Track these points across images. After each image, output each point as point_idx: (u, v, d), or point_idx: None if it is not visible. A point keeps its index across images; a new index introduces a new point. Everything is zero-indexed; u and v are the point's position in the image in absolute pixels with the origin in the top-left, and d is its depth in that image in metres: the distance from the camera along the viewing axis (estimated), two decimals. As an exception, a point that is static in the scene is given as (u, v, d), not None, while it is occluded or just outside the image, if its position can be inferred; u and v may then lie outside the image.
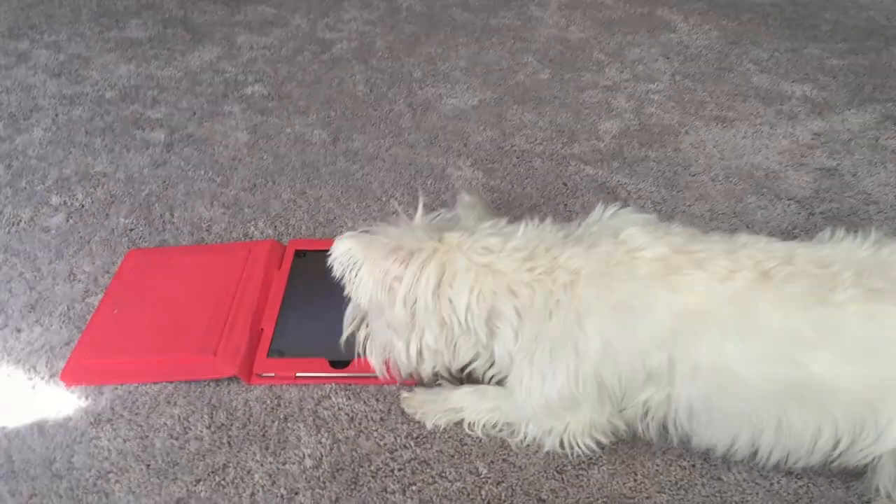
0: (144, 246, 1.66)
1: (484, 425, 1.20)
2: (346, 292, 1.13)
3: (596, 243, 1.07)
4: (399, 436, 1.22)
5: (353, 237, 1.08)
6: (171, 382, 1.33)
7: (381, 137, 2.02)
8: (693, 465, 1.15)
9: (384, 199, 1.78)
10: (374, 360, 1.21)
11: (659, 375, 1.04)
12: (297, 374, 1.30)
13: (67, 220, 1.74)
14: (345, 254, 1.09)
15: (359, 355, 1.22)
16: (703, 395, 1.03)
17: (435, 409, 1.23)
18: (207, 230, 1.70)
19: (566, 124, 2.05)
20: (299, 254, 1.56)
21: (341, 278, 1.11)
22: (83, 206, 1.79)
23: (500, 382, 1.19)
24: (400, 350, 1.13)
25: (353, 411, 1.27)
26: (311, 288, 1.48)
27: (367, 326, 1.20)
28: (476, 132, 2.03)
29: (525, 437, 1.18)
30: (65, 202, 1.81)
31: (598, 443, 1.13)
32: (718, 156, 1.90)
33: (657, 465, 1.15)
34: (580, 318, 1.03)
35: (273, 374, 1.31)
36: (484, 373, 1.18)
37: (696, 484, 1.13)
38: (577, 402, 1.08)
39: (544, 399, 1.08)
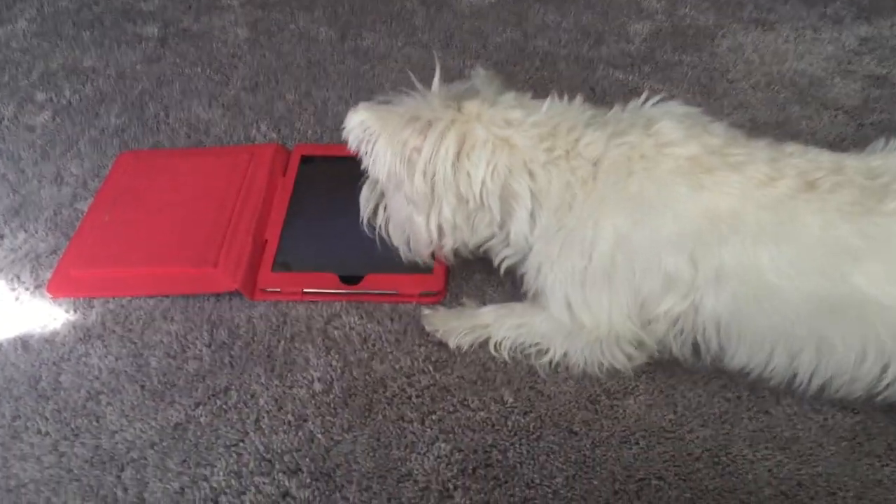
0: (137, 148, 1.52)
1: (511, 345, 1.10)
2: (362, 166, 1.05)
3: (622, 132, 0.98)
4: (416, 359, 1.12)
5: (367, 108, 1.00)
6: (168, 297, 1.22)
7: (392, 36, 1.86)
8: (738, 397, 1.05)
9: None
10: (396, 239, 1.12)
11: (679, 280, 0.95)
12: (305, 290, 1.20)
13: (54, 119, 1.61)
14: (359, 126, 1.00)
15: (379, 234, 1.14)
16: (731, 306, 0.93)
17: (458, 326, 1.13)
18: (205, 132, 1.57)
19: (592, 25, 1.89)
20: (306, 159, 1.43)
21: (356, 155, 1.04)
22: (70, 104, 1.65)
23: (512, 271, 1.12)
24: (420, 224, 1.05)
25: (365, 332, 1.16)
26: (319, 197, 1.35)
27: (384, 208, 1.12)
28: (495, 32, 1.87)
29: (554, 356, 1.08)
30: (51, 99, 1.67)
31: (630, 358, 1.05)
32: (759, 61, 1.74)
33: (699, 397, 1.06)
34: (595, 214, 0.97)
35: (278, 290, 1.20)
36: (499, 256, 1.10)
37: (742, 417, 1.03)
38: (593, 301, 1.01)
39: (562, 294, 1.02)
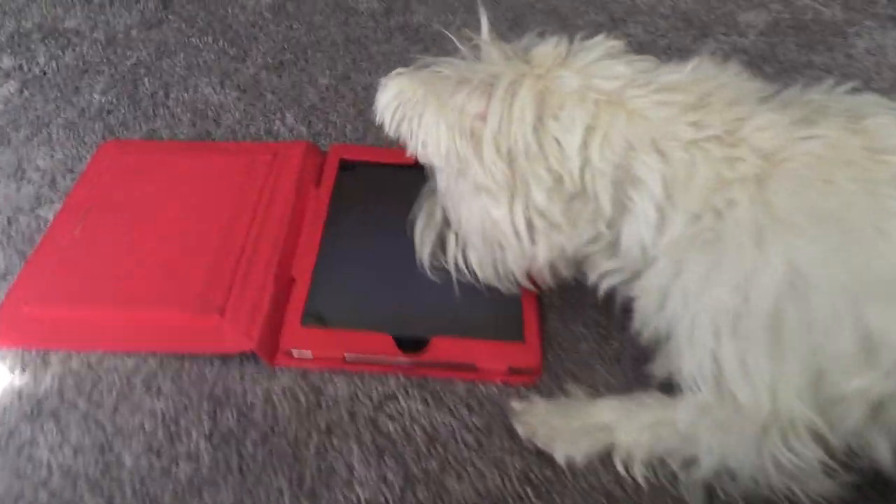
0: (126, 136, 1.18)
1: (646, 457, 0.76)
2: (408, 152, 0.77)
3: (812, 121, 0.68)
4: (508, 477, 0.78)
5: (405, 74, 0.75)
6: (154, 354, 0.87)
7: (449, 11, 1.50)
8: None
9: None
10: (476, 259, 0.83)
11: (889, 344, 0.61)
12: (347, 356, 0.85)
13: (21, 92, 1.26)
14: (396, 98, 0.74)
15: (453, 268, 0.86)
16: None
17: (566, 427, 0.79)
18: (215, 120, 1.21)
19: (694, 12, 1.54)
20: (346, 166, 1.08)
21: (397, 139, 0.77)
22: (45, 74, 1.30)
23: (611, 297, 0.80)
24: (503, 220, 0.74)
25: (433, 426, 0.82)
26: (365, 219, 1.01)
27: (454, 234, 0.85)
28: (574, 14, 1.52)
29: (708, 470, 0.72)
30: (20, 66, 1.31)
31: (806, 463, 0.67)
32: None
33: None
34: (760, 231, 0.65)
35: (310, 354, 0.85)
36: (599, 271, 0.78)
37: None
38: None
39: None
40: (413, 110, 0.74)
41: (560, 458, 0.78)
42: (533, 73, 0.71)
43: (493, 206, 0.74)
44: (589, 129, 0.68)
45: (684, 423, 0.72)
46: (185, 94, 1.27)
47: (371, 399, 0.84)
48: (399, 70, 0.75)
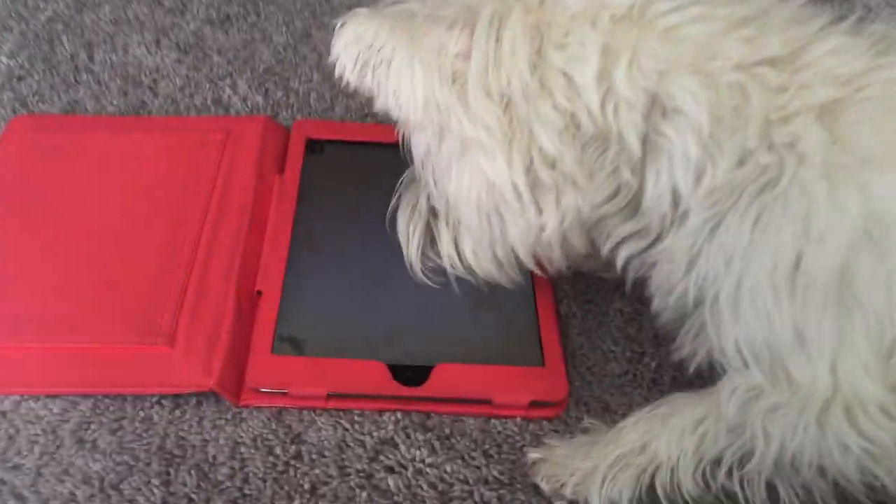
0: (42, 109, 0.97)
1: (696, 466, 0.61)
2: (377, 106, 0.62)
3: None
4: (542, 544, 0.63)
5: (364, 15, 0.61)
6: (87, 396, 0.69)
7: (420, -46, 1.30)
8: None
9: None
10: (468, 241, 0.68)
11: None
12: (331, 394, 0.68)
13: None
14: (357, 41, 0.60)
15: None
16: None
17: (599, 468, 0.64)
18: (151, 88, 1.02)
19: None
20: (314, 146, 0.90)
21: (366, 94, 0.61)
22: (-63, 32, 1.07)
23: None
24: (500, 178, 0.59)
25: (443, 480, 0.66)
26: (342, 214, 0.84)
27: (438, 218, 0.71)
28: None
29: (767, 456, 0.57)
30: None
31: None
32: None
33: None
34: (833, 172, 0.52)
35: (284, 391, 0.69)
36: (616, 237, 0.63)
37: None
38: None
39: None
40: (379, 55, 0.59)
41: (599, 500, 0.63)
42: (522, 4, 0.57)
43: (487, 163, 0.60)
44: (607, 53, 0.55)
45: (732, 411, 0.58)
46: (113, 56, 1.06)
47: (364, 446, 0.68)
48: (357, 10, 0.61)
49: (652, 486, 0.62)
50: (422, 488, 0.65)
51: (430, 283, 0.73)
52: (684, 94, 0.54)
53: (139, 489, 0.64)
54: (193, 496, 0.64)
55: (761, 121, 0.53)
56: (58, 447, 0.66)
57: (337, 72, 0.62)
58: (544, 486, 0.65)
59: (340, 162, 0.89)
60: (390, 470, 0.66)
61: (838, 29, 0.57)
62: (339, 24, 0.61)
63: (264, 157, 0.87)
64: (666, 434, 0.62)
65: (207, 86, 1.02)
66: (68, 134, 0.89)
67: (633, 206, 0.60)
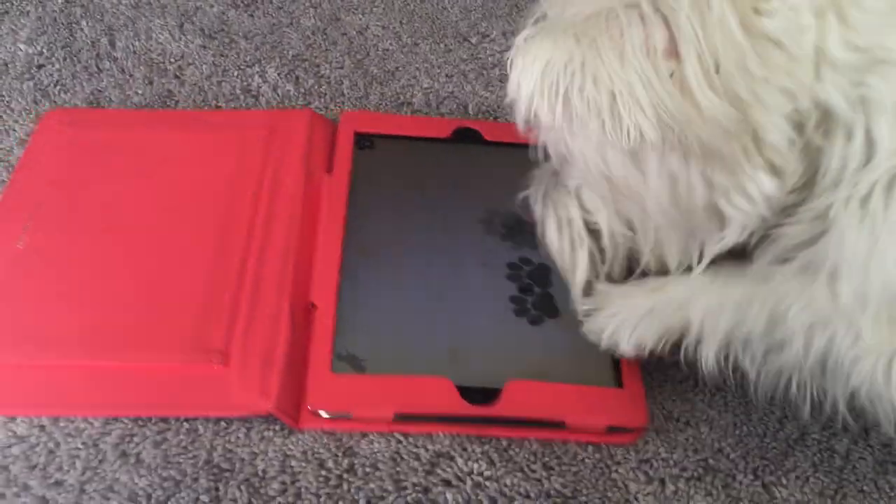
0: (65, 99, 0.93)
1: (723, 341, 0.61)
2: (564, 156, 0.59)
3: None
4: (611, 563, 0.60)
5: (541, 36, 0.54)
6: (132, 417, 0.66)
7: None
8: None
9: (473, 38, 1.06)
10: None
11: None
12: (397, 415, 0.65)
13: (-77, 42, 0.99)
14: (548, 72, 0.52)
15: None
16: None
17: (635, 311, 0.64)
18: (177, 76, 0.98)
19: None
20: (363, 142, 0.86)
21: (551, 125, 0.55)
22: (-47, 18, 1.03)
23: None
24: (732, 194, 0.54)
25: (503, 494, 0.63)
26: (397, 214, 0.80)
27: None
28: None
29: (796, 365, 0.58)
30: (-81, 8, 1.04)
31: None
32: None
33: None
34: None
35: (348, 414, 0.65)
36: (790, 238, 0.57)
37: None
38: None
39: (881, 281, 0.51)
40: (583, 77, 0.51)
41: (629, 347, 0.64)
42: None
43: (718, 173, 0.54)
44: (819, 12, 0.50)
45: (794, 316, 0.57)
46: (136, 42, 1.02)
47: (420, 460, 0.65)
48: (524, 35, 0.55)
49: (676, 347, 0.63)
50: (479, 499, 0.62)
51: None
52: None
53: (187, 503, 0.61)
54: (245, 513, 0.61)
55: None
56: (100, 462, 0.63)
57: (524, 113, 0.56)
58: (591, 328, 0.67)
59: (393, 158, 0.85)
60: (447, 483, 0.64)
61: None
62: (514, 62, 0.55)
63: (311, 155, 0.82)
64: (704, 302, 0.61)
65: (235, 73, 0.98)
66: (105, 131, 0.85)
67: (808, 197, 0.56)
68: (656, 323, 0.63)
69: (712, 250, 0.60)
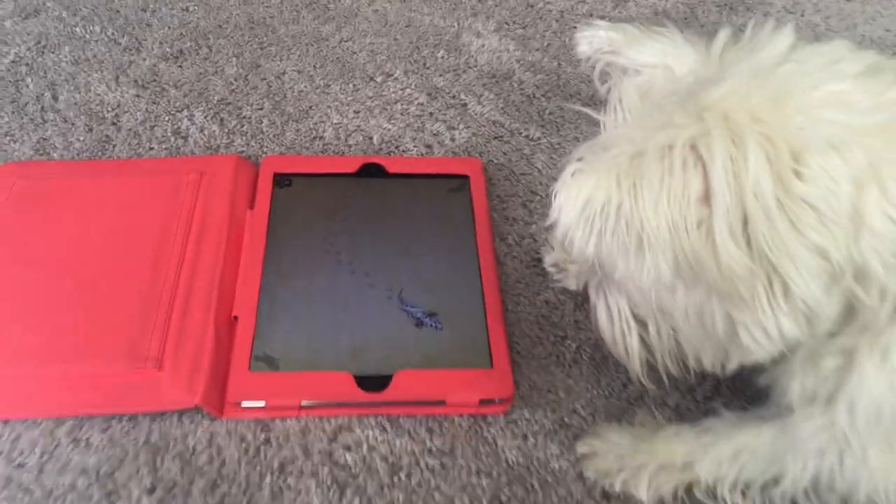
0: (13, 149, 1.06)
1: (734, 484, 0.71)
2: (601, 271, 0.62)
3: None
4: (479, 500, 0.75)
5: (588, 169, 0.58)
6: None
7: (357, -16, 1.42)
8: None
9: (379, 77, 1.21)
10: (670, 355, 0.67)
11: None
12: (304, 404, 0.78)
13: None
14: (590, 205, 0.57)
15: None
16: None
17: (643, 466, 0.75)
18: (114, 123, 1.11)
19: (609, -25, 1.50)
20: (282, 180, 1.00)
21: (585, 254, 0.59)
22: None
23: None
24: (752, 329, 0.57)
25: (393, 453, 0.77)
26: (308, 242, 0.93)
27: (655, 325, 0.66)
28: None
29: (795, 489, 0.69)
30: None
31: None
32: (824, 25, 1.40)
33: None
34: None
35: (263, 404, 0.78)
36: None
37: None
38: None
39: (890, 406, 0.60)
40: (617, 219, 0.56)
41: (646, 498, 0.74)
42: (748, 119, 0.53)
43: (737, 314, 0.57)
44: (858, 182, 0.52)
45: (774, 446, 0.69)
46: (77, 95, 1.15)
47: (324, 431, 0.79)
48: (573, 168, 0.59)
49: (689, 490, 0.74)
50: (374, 460, 0.77)
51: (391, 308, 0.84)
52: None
53: (131, 476, 0.74)
54: (178, 479, 0.74)
55: None
56: (56, 447, 0.76)
57: (565, 238, 0.60)
58: (594, 475, 0.76)
59: (307, 193, 0.99)
60: (348, 448, 0.77)
61: None
62: (559, 192, 0.58)
63: (236, 194, 0.96)
64: (707, 461, 0.72)
65: (166, 118, 1.12)
66: (52, 180, 0.97)
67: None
68: (672, 479, 0.74)
69: (740, 362, 0.62)
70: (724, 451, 0.72)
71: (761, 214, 0.51)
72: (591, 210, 0.56)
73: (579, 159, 0.59)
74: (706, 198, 0.52)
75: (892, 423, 0.60)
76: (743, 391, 0.79)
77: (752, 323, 0.56)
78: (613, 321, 0.68)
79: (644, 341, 0.67)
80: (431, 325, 0.85)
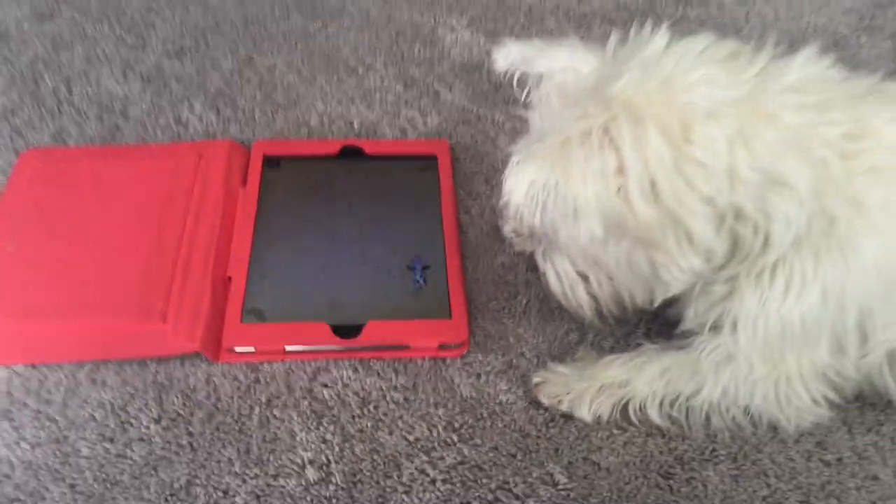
0: (34, 137, 1.19)
1: (662, 402, 0.86)
2: (547, 237, 0.77)
3: None
4: (435, 426, 0.88)
5: (528, 157, 0.70)
6: (96, 354, 0.92)
7: (343, -16, 1.55)
8: (839, 460, 0.86)
9: (360, 69, 1.34)
10: (607, 293, 0.81)
11: None
12: (288, 348, 0.92)
13: (-83, 98, 1.25)
14: (532, 187, 0.69)
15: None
16: None
17: (587, 388, 0.88)
18: (122, 113, 1.24)
19: (575, -28, 1.62)
20: (271, 162, 1.13)
21: (533, 224, 0.72)
22: (-61, 77, 1.29)
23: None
24: (669, 268, 0.72)
25: (364, 389, 0.91)
26: (294, 215, 1.07)
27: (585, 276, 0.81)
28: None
29: (710, 399, 0.85)
30: (-90, 70, 1.30)
31: (820, 401, 0.82)
32: (773, 15, 1.52)
33: (792, 461, 0.85)
34: (868, 217, 0.71)
35: (252, 349, 0.92)
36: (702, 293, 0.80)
37: (848, 487, 0.83)
38: (815, 338, 0.77)
39: (779, 326, 0.76)
40: (555, 194, 0.68)
41: (589, 417, 0.88)
42: (635, 106, 0.66)
43: (660, 258, 0.71)
44: (731, 142, 0.65)
45: (704, 364, 0.83)
46: (89, 89, 1.28)
47: (305, 372, 0.92)
48: (516, 152, 0.71)
49: (624, 409, 0.88)
50: (348, 395, 0.90)
51: (365, 267, 0.99)
52: (790, 170, 0.67)
53: (140, 408, 0.87)
54: (181, 411, 0.87)
55: (839, 181, 0.69)
56: (77, 385, 0.90)
57: (516, 213, 0.71)
58: (544, 401, 0.89)
59: (292, 173, 1.12)
60: (325, 386, 0.91)
61: (875, 97, 0.73)
62: (509, 178, 0.70)
63: (230, 174, 1.09)
64: (642, 377, 0.87)
65: (169, 108, 1.25)
66: (70, 163, 1.11)
67: (752, 261, 0.74)
68: (611, 397, 0.88)
69: (664, 296, 0.78)
70: (654, 370, 0.86)
71: (663, 177, 0.65)
72: (534, 190, 0.69)
73: (520, 151, 0.71)
74: (621, 169, 0.65)
75: (766, 335, 0.76)
76: (667, 338, 0.91)
77: (669, 262, 0.71)
78: (562, 280, 0.82)
79: (589, 292, 0.81)
80: (419, 281, 0.98)
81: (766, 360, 0.80)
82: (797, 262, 0.73)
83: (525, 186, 0.69)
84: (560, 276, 0.82)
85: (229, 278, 0.98)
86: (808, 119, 0.68)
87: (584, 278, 0.80)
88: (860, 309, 0.75)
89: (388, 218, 1.06)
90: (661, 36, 0.71)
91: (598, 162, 0.66)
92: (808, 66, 0.72)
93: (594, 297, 0.82)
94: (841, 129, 0.70)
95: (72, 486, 0.81)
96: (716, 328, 0.81)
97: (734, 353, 0.80)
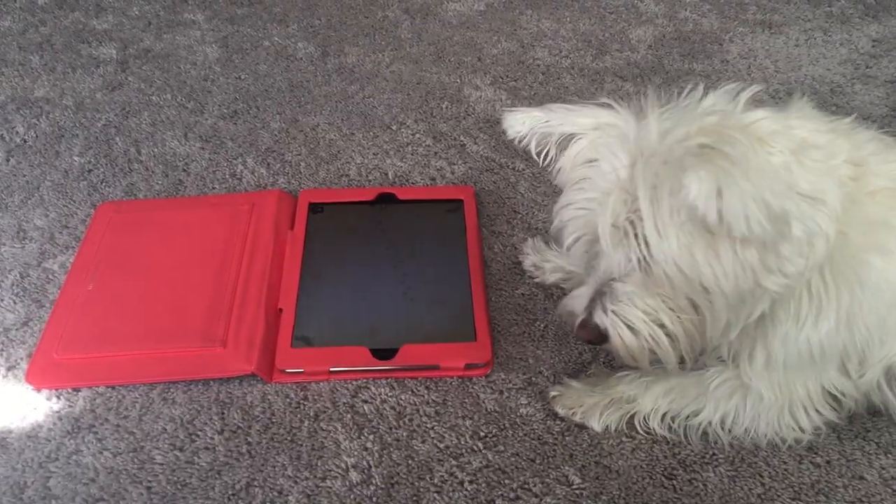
0: (109, 191, 1.35)
1: (664, 416, 0.97)
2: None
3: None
4: (463, 435, 0.99)
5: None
6: (166, 374, 1.06)
7: (378, 51, 1.71)
8: (829, 462, 0.95)
9: (394, 126, 1.49)
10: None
11: None
12: (332, 369, 1.04)
13: (7, 160, 1.42)
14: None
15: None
16: None
17: (598, 402, 0.99)
18: (184, 169, 1.40)
19: (592, 33, 1.77)
20: (315, 208, 1.28)
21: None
22: (25, 142, 1.47)
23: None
24: (775, 274, 0.75)
25: (399, 405, 1.02)
26: (336, 253, 1.21)
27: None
28: (489, 43, 1.74)
29: (709, 419, 0.95)
30: (2, 136, 1.48)
31: (821, 426, 0.93)
32: (773, 68, 1.65)
33: (785, 464, 0.95)
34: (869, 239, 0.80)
35: (301, 370, 1.05)
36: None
37: (836, 486, 0.92)
38: (829, 361, 0.87)
39: (796, 353, 0.85)
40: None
41: (598, 427, 0.98)
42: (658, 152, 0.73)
43: (769, 256, 0.74)
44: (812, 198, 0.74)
45: (697, 388, 0.95)
46: (155, 149, 1.45)
47: (348, 390, 1.04)
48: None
49: (631, 420, 0.98)
50: (385, 409, 1.02)
51: (399, 297, 1.13)
52: (825, 187, 0.75)
53: (206, 422, 1.00)
54: (240, 424, 1.00)
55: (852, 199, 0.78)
56: (150, 403, 1.03)
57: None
58: (561, 411, 1.00)
59: (334, 216, 1.27)
60: (365, 401, 1.03)
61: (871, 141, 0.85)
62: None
63: (279, 219, 1.25)
64: (648, 394, 0.98)
65: (225, 164, 1.41)
66: (141, 213, 1.28)
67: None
68: (616, 411, 0.98)
69: (746, 320, 0.81)
70: (659, 388, 0.97)
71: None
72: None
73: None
74: (637, 213, 0.74)
75: (786, 363, 0.86)
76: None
77: (778, 265, 0.74)
78: (638, 335, 0.81)
79: (667, 334, 0.81)
80: None
81: (775, 387, 0.89)
82: (818, 282, 0.80)
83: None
84: (635, 329, 0.80)
85: (280, 310, 1.12)
86: (819, 163, 0.77)
87: (661, 324, 0.80)
88: (868, 327, 0.83)
89: (419, 254, 1.19)
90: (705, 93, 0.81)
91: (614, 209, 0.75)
92: (805, 109, 0.83)
93: (673, 342, 0.82)
94: (843, 157, 0.80)
95: (148, 488, 0.94)
96: (734, 358, 0.92)
97: (747, 382, 0.91)
